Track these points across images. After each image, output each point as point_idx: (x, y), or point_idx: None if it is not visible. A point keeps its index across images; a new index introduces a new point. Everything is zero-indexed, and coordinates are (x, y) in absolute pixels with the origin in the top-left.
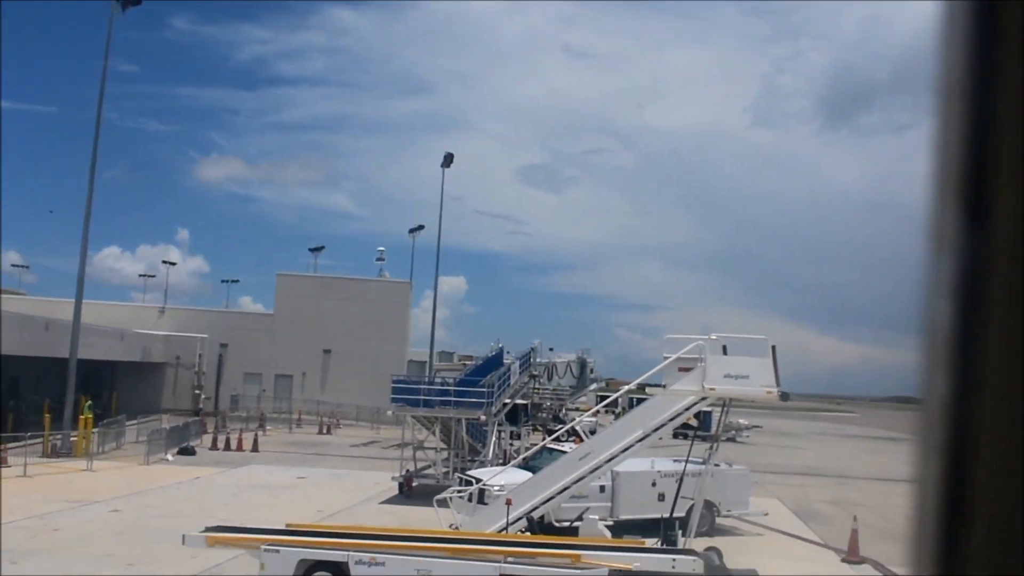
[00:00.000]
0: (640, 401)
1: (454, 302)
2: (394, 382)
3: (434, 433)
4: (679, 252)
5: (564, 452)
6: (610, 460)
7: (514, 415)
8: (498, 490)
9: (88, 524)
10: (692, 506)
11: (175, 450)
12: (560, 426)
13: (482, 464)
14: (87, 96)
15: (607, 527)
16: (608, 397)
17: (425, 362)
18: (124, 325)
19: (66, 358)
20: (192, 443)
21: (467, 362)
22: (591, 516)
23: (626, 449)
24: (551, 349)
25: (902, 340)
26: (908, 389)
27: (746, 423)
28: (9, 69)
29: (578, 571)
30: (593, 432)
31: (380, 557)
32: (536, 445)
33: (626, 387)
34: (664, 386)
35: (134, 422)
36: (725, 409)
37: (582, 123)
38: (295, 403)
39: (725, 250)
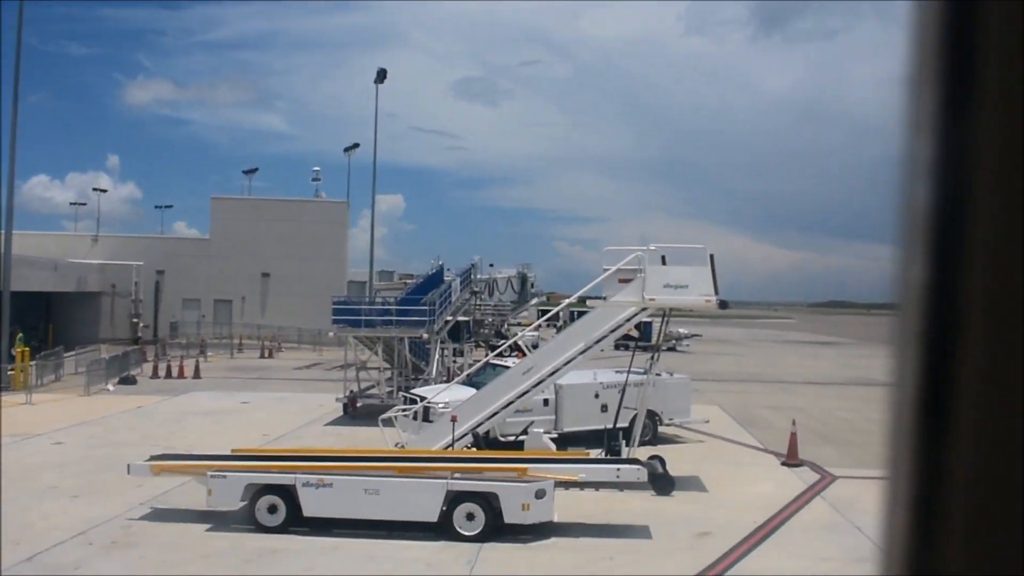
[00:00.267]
0: (581, 314)
1: (392, 220)
2: (334, 303)
3: (376, 353)
4: (617, 163)
5: (507, 367)
6: (553, 374)
7: (456, 332)
8: (443, 407)
9: (30, 457)
10: (635, 416)
11: (116, 380)
12: (502, 342)
13: (426, 382)
14: (3, 19)
15: (552, 440)
16: (549, 311)
17: (365, 282)
18: (57, 255)
19: None
20: (132, 372)
21: (407, 281)
22: (536, 430)
23: (568, 362)
24: (491, 265)
25: (836, 245)
26: (843, 294)
27: (686, 332)
28: None
29: (525, 483)
30: (535, 346)
31: (327, 479)
32: (479, 361)
33: (567, 300)
34: (605, 298)
35: (72, 353)
36: (665, 319)
37: (517, 35)
38: (235, 328)
39: (663, 160)
